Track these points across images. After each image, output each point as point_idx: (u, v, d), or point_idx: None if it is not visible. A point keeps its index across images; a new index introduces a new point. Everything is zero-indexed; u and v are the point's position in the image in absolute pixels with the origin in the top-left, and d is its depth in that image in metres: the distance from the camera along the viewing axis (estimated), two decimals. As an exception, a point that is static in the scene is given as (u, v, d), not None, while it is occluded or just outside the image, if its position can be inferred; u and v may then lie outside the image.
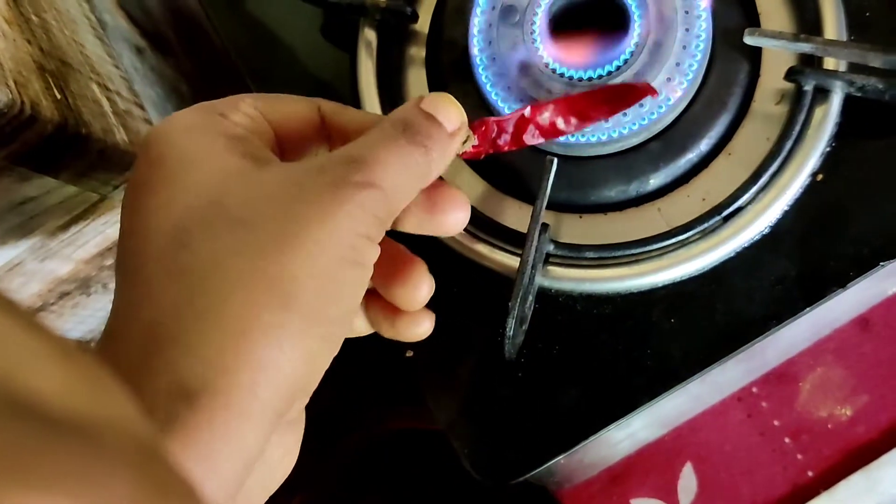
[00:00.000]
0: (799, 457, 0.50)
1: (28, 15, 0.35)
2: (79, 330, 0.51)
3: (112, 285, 0.48)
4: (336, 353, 0.28)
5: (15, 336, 0.20)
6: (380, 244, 0.29)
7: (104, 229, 0.42)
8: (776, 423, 0.50)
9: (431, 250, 0.40)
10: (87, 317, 0.50)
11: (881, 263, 0.40)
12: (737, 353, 0.41)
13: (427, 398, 0.43)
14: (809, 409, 0.50)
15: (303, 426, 0.30)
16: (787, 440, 0.50)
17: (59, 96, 0.34)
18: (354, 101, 0.45)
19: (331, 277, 0.27)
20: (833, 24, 0.40)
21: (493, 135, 0.35)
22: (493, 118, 0.35)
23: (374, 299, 0.33)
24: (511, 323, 0.38)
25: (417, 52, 0.46)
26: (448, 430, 0.43)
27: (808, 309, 0.40)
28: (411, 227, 0.33)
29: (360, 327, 0.34)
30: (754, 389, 0.51)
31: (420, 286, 0.33)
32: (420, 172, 0.29)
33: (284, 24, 0.48)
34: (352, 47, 0.46)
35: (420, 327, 0.34)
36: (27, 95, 0.32)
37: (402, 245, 0.34)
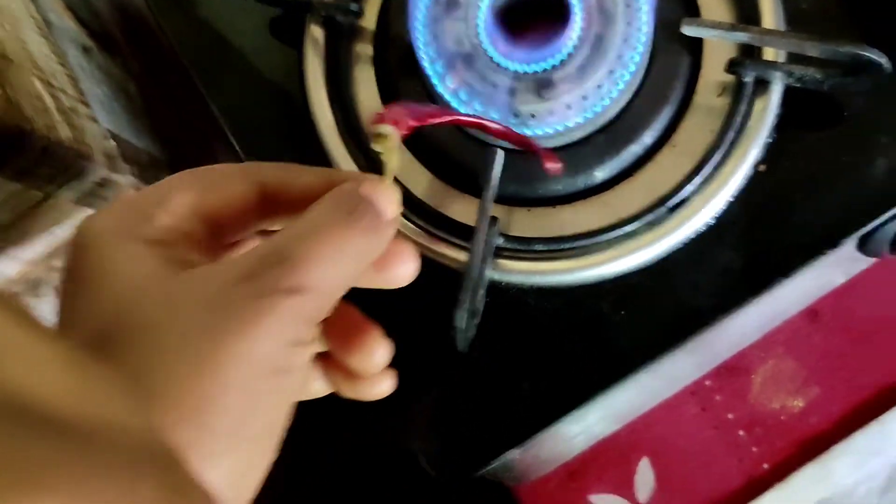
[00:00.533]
0: (753, 449, 0.50)
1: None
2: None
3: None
4: (270, 462, 0.27)
5: (23, 343, 0.20)
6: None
7: (53, 230, 0.42)
8: (730, 416, 0.51)
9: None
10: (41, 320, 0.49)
11: (824, 252, 0.41)
12: (685, 343, 0.41)
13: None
14: (762, 401, 0.51)
15: None
16: (741, 433, 0.51)
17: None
18: (303, 99, 0.45)
19: (250, 392, 0.25)
20: (771, 15, 0.41)
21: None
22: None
23: (332, 362, 0.32)
24: (462, 316, 0.38)
25: (364, 49, 0.46)
26: (401, 427, 0.43)
27: (753, 299, 0.41)
28: (359, 284, 0.31)
29: (319, 389, 0.32)
30: (707, 383, 0.51)
31: (374, 353, 0.31)
32: (361, 259, 0.28)
33: (233, 22, 0.48)
34: (299, 45, 0.46)
35: (379, 387, 0.32)
36: (-38, 88, 0.32)
37: (354, 307, 0.32)
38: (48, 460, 0.18)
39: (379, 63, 0.45)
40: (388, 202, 0.29)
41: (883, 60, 0.37)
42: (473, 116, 0.39)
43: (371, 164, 0.44)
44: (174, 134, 0.53)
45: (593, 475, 0.51)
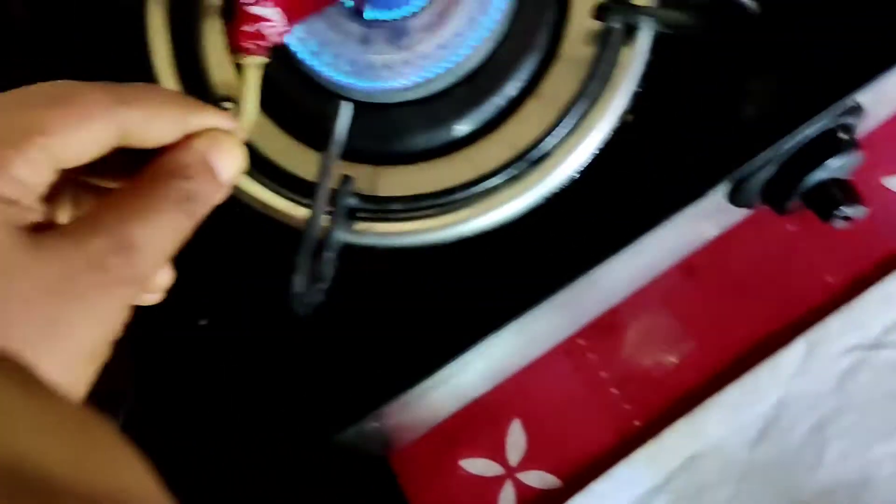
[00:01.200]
0: (626, 406, 0.50)
1: None
2: None
3: None
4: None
5: (24, 411, 0.20)
6: None
7: None
8: (603, 374, 0.50)
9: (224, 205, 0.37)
10: None
11: (691, 201, 0.39)
12: (548, 300, 0.39)
13: (226, 366, 0.40)
14: (636, 358, 0.50)
15: None
16: (613, 390, 0.50)
17: None
18: (144, 56, 0.42)
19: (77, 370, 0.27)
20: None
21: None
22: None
23: None
24: (301, 280, 0.35)
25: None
26: (262, 393, 0.40)
27: (619, 252, 0.39)
28: None
29: None
30: (580, 341, 0.50)
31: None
32: (185, 233, 0.29)
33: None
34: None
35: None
36: None
37: None
38: None
39: (228, 14, 0.41)
40: (230, 166, 0.31)
41: (751, 1, 0.36)
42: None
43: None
44: None
45: (466, 439, 0.50)
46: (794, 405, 0.49)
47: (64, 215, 0.31)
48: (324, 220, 0.38)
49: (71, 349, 0.26)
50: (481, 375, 0.47)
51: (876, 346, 0.49)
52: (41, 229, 0.26)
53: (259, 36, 0.34)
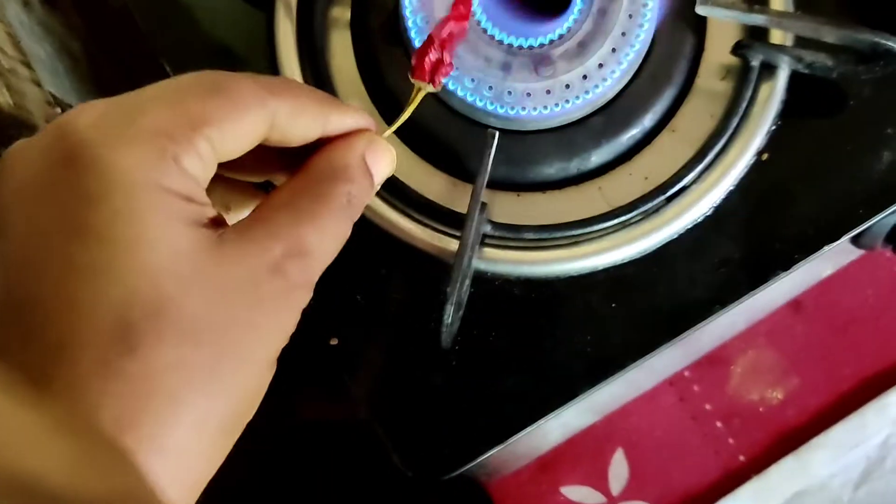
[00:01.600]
0: (730, 441, 0.49)
1: None
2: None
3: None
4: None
5: (15, 415, 0.20)
6: None
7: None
8: (708, 406, 0.49)
9: (357, 228, 0.37)
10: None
11: (825, 246, 0.39)
12: (679, 339, 0.39)
13: (352, 389, 0.39)
14: (741, 392, 0.49)
15: None
16: (718, 424, 0.49)
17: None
18: (273, 68, 0.42)
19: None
20: (780, -6, 0.39)
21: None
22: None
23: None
24: (449, 310, 0.35)
25: (342, 13, 0.42)
26: (375, 423, 0.40)
27: (752, 293, 0.39)
28: None
29: None
30: (686, 373, 0.50)
31: None
32: (346, 238, 0.29)
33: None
34: (268, 6, 0.42)
35: None
36: None
37: None
38: None
39: (357, 29, 0.42)
40: (385, 170, 0.31)
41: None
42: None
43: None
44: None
45: (566, 467, 0.50)
46: (900, 447, 0.48)
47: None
48: (453, 244, 0.38)
49: (257, 356, 0.25)
50: (589, 408, 0.47)
51: None
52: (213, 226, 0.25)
53: (436, 72, 0.34)
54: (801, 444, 0.48)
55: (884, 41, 0.35)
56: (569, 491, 0.49)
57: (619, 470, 0.49)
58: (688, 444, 0.49)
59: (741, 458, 0.49)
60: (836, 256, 0.46)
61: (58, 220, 0.23)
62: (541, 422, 0.39)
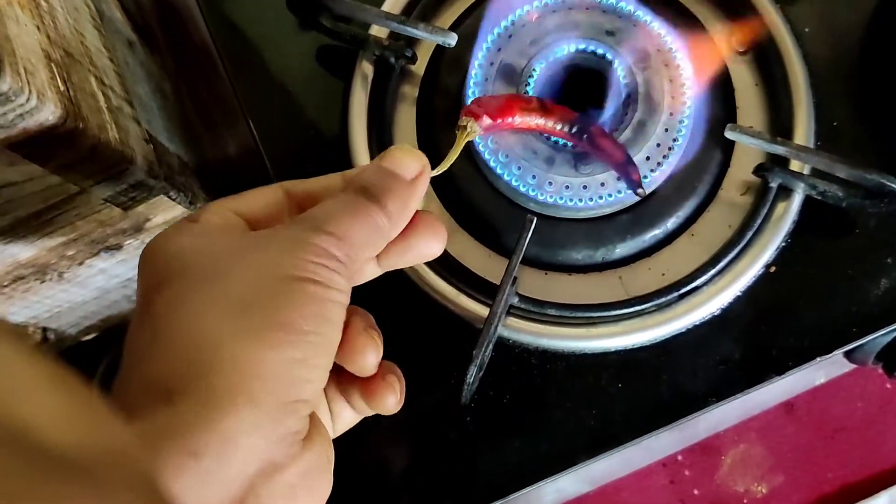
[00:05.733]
0: (713, 527, 0.52)
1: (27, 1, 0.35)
2: (23, 315, 0.50)
3: (68, 274, 0.48)
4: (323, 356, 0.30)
5: (9, 364, 0.20)
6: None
7: (75, 220, 0.42)
8: (696, 492, 0.53)
9: (397, 288, 0.41)
10: (35, 303, 0.49)
11: (818, 357, 0.43)
12: (675, 424, 0.43)
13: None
14: (728, 482, 0.53)
15: (324, 446, 0.30)
16: (704, 510, 0.52)
17: (62, 88, 0.34)
18: (343, 129, 0.46)
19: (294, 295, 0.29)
20: (804, 129, 0.43)
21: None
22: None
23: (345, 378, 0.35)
24: (472, 370, 0.39)
25: (411, 91, 0.47)
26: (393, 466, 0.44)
27: (747, 391, 0.43)
28: (392, 261, 0.35)
29: (348, 417, 0.36)
30: (679, 457, 0.53)
31: (366, 353, 0.34)
32: (376, 224, 0.32)
33: (281, 43, 0.48)
34: (347, 77, 0.47)
35: (385, 402, 0.35)
36: (34, 85, 0.32)
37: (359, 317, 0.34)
38: (20, 485, 0.17)
39: (422, 107, 0.46)
40: (407, 164, 0.34)
41: (898, 187, 0.39)
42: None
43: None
44: (200, 139, 0.53)
45: (558, 531, 0.53)
46: (872, 554, 0.52)
47: None
48: (483, 311, 0.42)
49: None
50: (584, 478, 0.50)
51: (959, 511, 0.52)
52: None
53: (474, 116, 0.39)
54: (779, 539, 0.51)
55: (889, 183, 0.40)
56: (558, 554, 0.52)
57: (606, 539, 0.53)
58: (673, 524, 0.52)
59: (721, 543, 0.52)
60: (829, 367, 0.50)
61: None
62: (539, 484, 0.43)
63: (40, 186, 0.38)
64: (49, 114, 0.33)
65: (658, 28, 0.43)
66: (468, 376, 0.39)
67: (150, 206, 0.44)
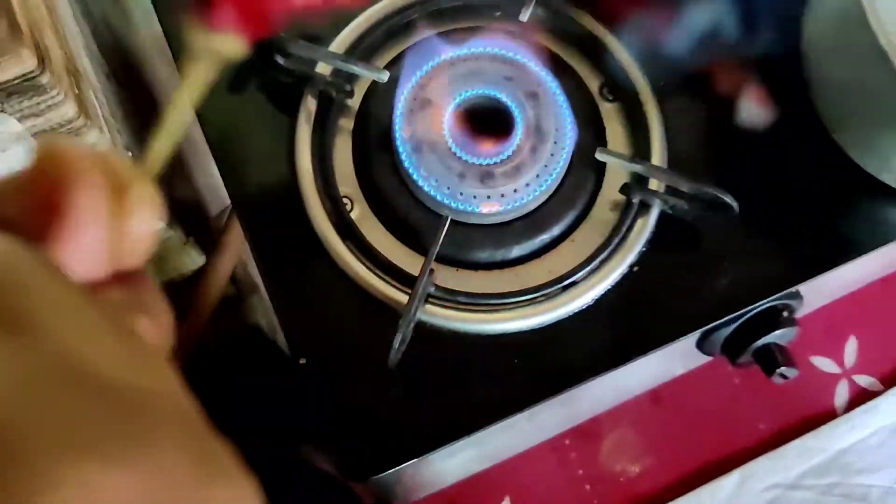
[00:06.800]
0: (595, 502, 0.61)
1: (57, 24, 0.44)
2: None
3: None
4: None
5: (74, 309, 0.21)
6: None
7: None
8: (580, 471, 0.62)
9: (332, 278, 0.50)
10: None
11: (671, 341, 0.53)
12: (562, 393, 0.52)
13: (314, 400, 0.51)
14: (607, 463, 0.62)
15: None
16: (587, 487, 0.62)
17: (76, 92, 0.43)
18: (290, 159, 0.55)
19: None
20: (658, 153, 0.55)
21: None
22: None
23: None
24: (398, 338, 0.48)
25: (347, 123, 0.57)
26: (323, 430, 0.52)
27: (616, 367, 0.53)
28: None
29: None
30: (566, 441, 0.62)
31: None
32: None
33: (234, 82, 0.58)
34: (293, 112, 0.56)
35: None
36: (61, 85, 0.40)
37: None
38: (88, 421, 0.18)
39: (357, 136, 0.56)
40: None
41: (734, 204, 0.51)
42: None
43: (343, 224, 0.54)
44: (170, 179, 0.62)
45: (464, 509, 0.61)
46: (725, 523, 0.61)
47: None
48: (404, 298, 0.51)
49: None
50: (486, 451, 0.59)
51: (793, 487, 0.62)
52: None
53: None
54: (650, 510, 0.61)
55: (721, 195, 0.51)
56: (464, 529, 0.61)
57: (505, 515, 0.61)
58: (561, 500, 0.61)
59: (602, 516, 0.61)
60: (686, 359, 0.61)
61: None
62: (447, 447, 0.51)
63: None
64: (69, 108, 0.42)
65: (544, 75, 0.55)
66: (395, 342, 0.48)
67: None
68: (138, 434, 0.19)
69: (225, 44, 0.27)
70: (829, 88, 0.56)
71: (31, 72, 0.37)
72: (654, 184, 0.55)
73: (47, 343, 0.19)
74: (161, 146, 0.26)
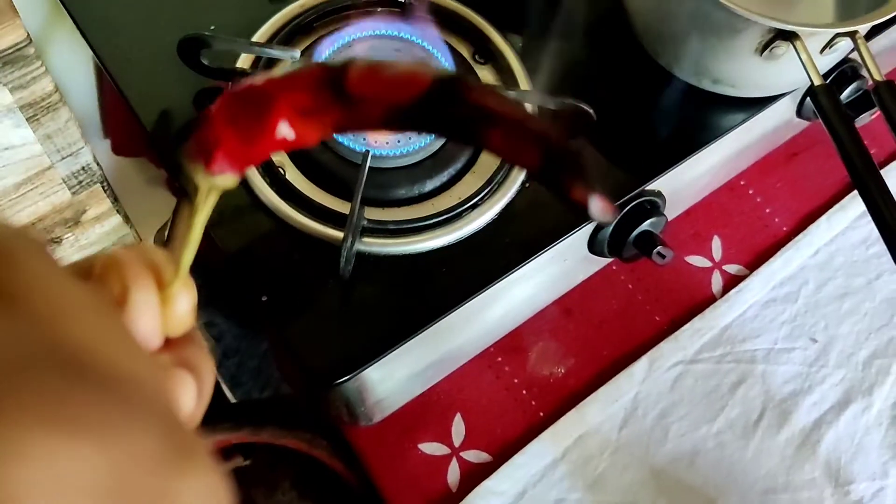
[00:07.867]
0: (533, 403, 0.71)
1: None
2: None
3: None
4: None
5: (60, 286, 0.21)
6: None
7: (39, 200, 0.58)
8: (515, 380, 0.71)
9: (276, 228, 0.59)
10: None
11: (553, 244, 0.64)
12: (486, 289, 0.62)
13: (281, 328, 0.60)
14: (537, 369, 0.72)
15: None
16: (524, 392, 0.71)
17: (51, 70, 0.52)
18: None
19: None
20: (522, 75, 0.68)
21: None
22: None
23: None
24: (344, 252, 0.58)
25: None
26: (295, 343, 0.60)
27: (524, 263, 0.63)
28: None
29: None
30: (499, 358, 0.72)
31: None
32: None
33: (172, 84, 0.68)
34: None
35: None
36: (44, 60, 0.50)
37: None
38: (61, 395, 0.18)
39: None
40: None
41: (590, 111, 0.64)
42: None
43: (283, 187, 0.64)
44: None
45: (420, 429, 0.69)
46: (644, 401, 0.71)
47: None
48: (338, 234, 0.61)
49: None
50: (430, 367, 0.68)
51: (694, 361, 0.73)
52: None
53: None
54: (580, 402, 0.70)
55: (581, 105, 0.64)
56: (423, 446, 0.68)
57: (458, 428, 0.69)
58: (504, 406, 0.70)
59: (541, 414, 0.70)
60: (584, 264, 0.72)
61: None
62: (400, 346, 0.60)
63: (28, 154, 0.55)
64: (48, 83, 0.51)
65: (427, 47, 0.67)
66: (343, 252, 0.58)
67: (89, 195, 0.61)
68: (113, 416, 0.18)
69: (223, 181, 0.34)
70: (642, 16, 0.71)
71: (23, 41, 0.47)
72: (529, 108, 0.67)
73: (30, 315, 0.19)
74: (188, 256, 0.33)
